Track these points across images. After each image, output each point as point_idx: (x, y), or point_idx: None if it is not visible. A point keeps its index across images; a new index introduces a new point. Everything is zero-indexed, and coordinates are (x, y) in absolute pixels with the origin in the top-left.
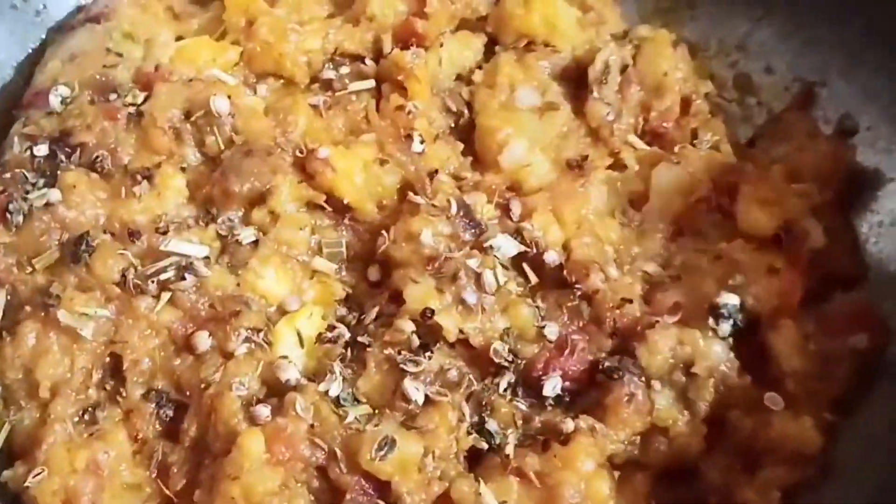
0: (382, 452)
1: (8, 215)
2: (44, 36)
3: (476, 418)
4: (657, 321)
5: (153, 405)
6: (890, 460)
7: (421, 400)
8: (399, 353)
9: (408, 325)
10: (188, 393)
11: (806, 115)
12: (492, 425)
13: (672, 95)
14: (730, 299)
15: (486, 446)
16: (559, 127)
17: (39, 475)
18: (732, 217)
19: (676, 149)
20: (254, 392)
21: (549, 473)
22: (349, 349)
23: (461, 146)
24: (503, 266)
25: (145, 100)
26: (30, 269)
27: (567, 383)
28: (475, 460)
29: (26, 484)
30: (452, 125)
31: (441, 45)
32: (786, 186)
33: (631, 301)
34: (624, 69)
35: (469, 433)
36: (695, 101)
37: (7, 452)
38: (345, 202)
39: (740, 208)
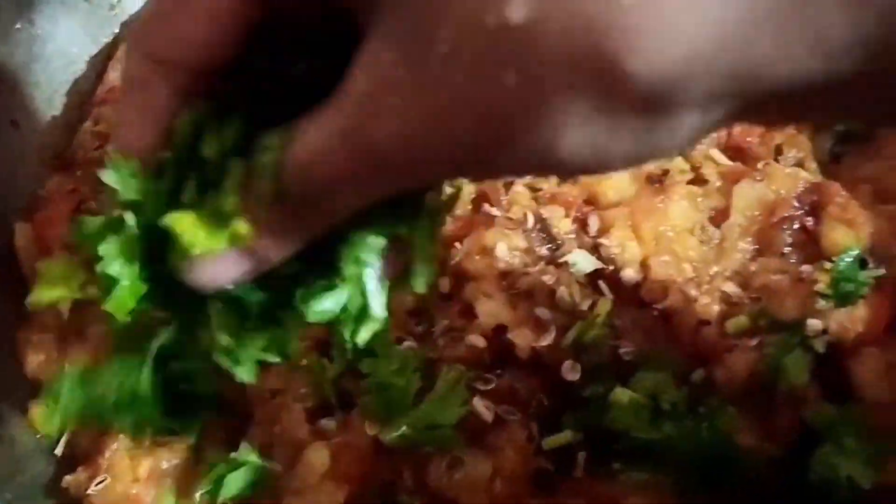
0: (451, 472)
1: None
2: (117, 30)
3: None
4: (735, 345)
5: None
6: None
7: (490, 418)
8: (469, 369)
9: (479, 342)
10: (252, 401)
11: None
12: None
13: None
14: (811, 324)
15: (554, 468)
16: None
17: (102, 482)
18: (817, 238)
19: (760, 165)
20: (319, 403)
21: (620, 500)
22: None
23: None
24: (578, 283)
25: None
26: None
27: None
28: (544, 482)
29: (88, 491)
30: None
31: None
32: (873, 207)
33: (709, 323)
34: None
35: (538, 454)
36: None
37: (69, 457)
38: None
39: (825, 229)
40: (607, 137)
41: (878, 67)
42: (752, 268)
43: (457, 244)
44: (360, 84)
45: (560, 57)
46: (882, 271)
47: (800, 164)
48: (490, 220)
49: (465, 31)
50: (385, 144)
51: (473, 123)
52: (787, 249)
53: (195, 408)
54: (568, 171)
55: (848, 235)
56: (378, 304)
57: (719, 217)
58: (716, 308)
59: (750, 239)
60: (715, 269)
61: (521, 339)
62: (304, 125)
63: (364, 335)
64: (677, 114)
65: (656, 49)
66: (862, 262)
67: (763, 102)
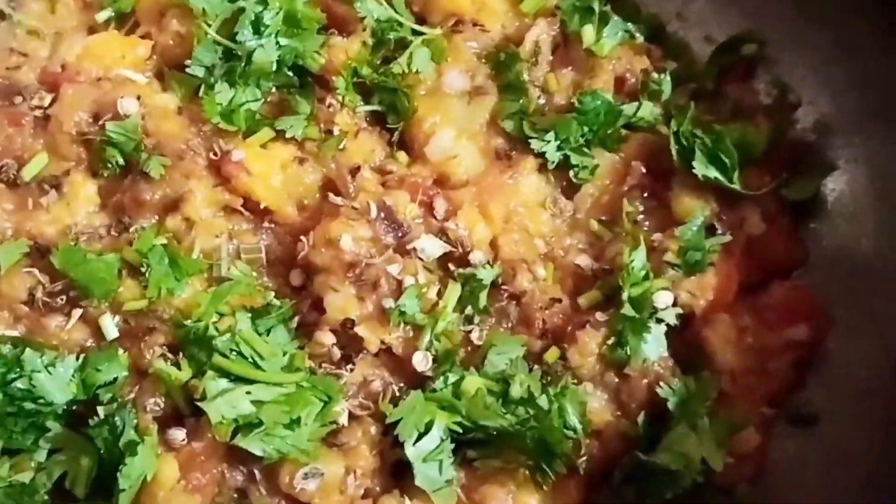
0: (306, 481)
1: None
2: None
3: None
4: (588, 320)
5: None
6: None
7: (344, 418)
8: (320, 365)
9: (328, 338)
10: None
11: (747, 87)
12: None
13: (605, 75)
14: (662, 296)
15: None
16: (488, 113)
17: None
18: (668, 204)
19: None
20: (169, 412)
21: (475, 488)
22: None
23: (388, 136)
24: (427, 269)
25: (52, 102)
26: None
27: None
28: (401, 474)
29: None
30: (382, 110)
31: (364, 30)
32: None
33: (560, 300)
34: (555, 49)
35: (395, 446)
36: (629, 80)
37: None
38: (262, 206)
39: (673, 195)
40: None
41: None
42: (606, 238)
43: (303, 237)
44: None
45: None
46: (729, 237)
47: (651, 128)
48: (335, 210)
49: None
50: None
51: None
52: (639, 217)
53: (42, 423)
54: None
55: (696, 201)
56: None
57: (571, 188)
58: (569, 282)
59: (602, 209)
60: (568, 241)
61: (370, 332)
62: None
63: None
64: None
65: None
66: (710, 229)
67: None
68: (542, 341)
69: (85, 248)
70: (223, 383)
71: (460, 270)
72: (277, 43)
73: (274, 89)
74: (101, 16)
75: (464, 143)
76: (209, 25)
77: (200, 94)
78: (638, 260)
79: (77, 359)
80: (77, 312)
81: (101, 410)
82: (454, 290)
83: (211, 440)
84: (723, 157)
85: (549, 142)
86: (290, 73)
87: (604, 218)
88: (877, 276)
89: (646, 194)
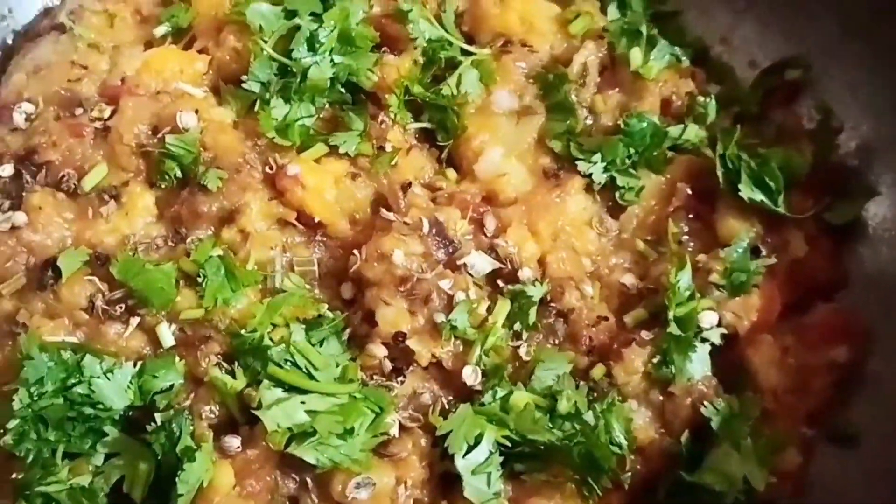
0: (357, 490)
1: None
2: (10, 41)
3: None
4: (633, 338)
5: None
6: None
7: (395, 430)
8: (371, 377)
9: (380, 350)
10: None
11: (790, 111)
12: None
13: (651, 98)
14: (707, 316)
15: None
16: (536, 132)
17: None
18: (712, 226)
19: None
20: (224, 419)
21: (522, 501)
22: None
23: (437, 153)
24: (477, 285)
25: (112, 114)
26: None
27: None
28: (449, 485)
29: None
30: (432, 127)
31: (415, 49)
32: None
33: (606, 318)
34: (603, 70)
35: (444, 458)
36: (675, 103)
37: None
38: (315, 220)
39: (718, 216)
40: None
41: None
42: (651, 258)
43: (355, 251)
44: None
45: None
46: (773, 260)
47: (696, 150)
48: (387, 226)
49: None
50: None
51: None
52: (684, 238)
53: (99, 428)
54: None
55: (740, 223)
56: None
57: (618, 208)
58: (615, 301)
59: (648, 229)
60: (614, 260)
61: (421, 345)
62: None
63: None
64: None
65: None
66: (754, 251)
67: None
68: (588, 358)
69: (142, 257)
70: (278, 393)
71: (509, 287)
72: (332, 60)
73: (328, 105)
74: (159, 30)
75: (512, 161)
76: (265, 42)
77: (256, 109)
78: (684, 280)
79: (134, 366)
80: (135, 320)
81: (158, 417)
82: (504, 306)
83: (265, 448)
84: (768, 181)
85: (595, 163)
86: (344, 90)
87: (649, 238)
88: None
89: (691, 215)
